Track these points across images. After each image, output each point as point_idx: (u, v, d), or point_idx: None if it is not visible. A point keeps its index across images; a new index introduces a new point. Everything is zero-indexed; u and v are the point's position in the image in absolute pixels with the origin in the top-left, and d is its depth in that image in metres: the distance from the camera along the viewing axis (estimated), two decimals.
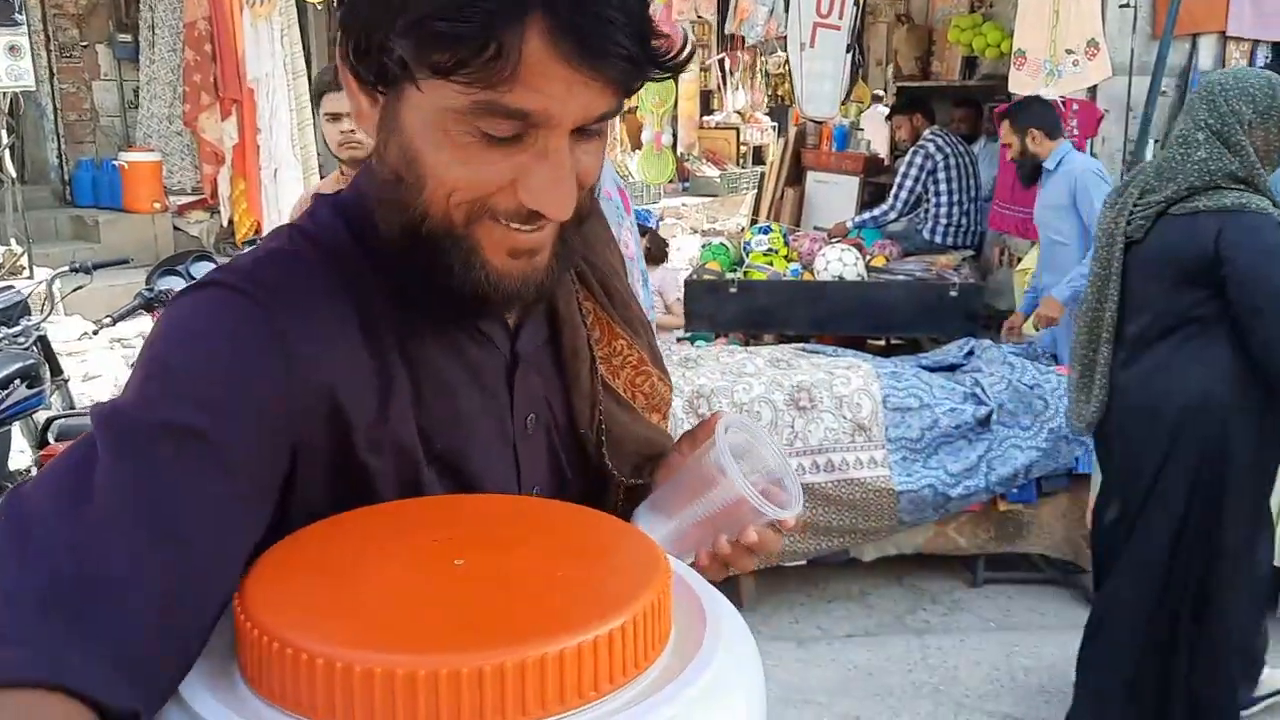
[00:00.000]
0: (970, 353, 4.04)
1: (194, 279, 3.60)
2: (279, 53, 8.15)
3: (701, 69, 11.94)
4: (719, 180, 11.55)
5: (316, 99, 2.72)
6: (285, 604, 0.62)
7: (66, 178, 8.44)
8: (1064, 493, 3.76)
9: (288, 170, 8.17)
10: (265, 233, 7.86)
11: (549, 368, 0.93)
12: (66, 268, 3.65)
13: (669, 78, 0.81)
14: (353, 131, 2.56)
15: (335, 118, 2.67)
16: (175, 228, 8.24)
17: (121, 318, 3.30)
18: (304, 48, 8.92)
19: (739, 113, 12.76)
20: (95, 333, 3.31)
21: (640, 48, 0.73)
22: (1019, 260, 4.94)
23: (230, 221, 8.12)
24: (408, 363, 0.82)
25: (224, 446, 0.70)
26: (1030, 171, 4.23)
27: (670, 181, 6.44)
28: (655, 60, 0.76)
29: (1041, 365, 3.83)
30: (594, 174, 0.80)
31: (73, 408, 3.68)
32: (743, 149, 12.42)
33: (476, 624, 0.62)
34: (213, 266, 3.67)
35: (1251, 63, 4.61)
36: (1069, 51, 4.33)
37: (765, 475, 0.90)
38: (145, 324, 3.56)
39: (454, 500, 0.79)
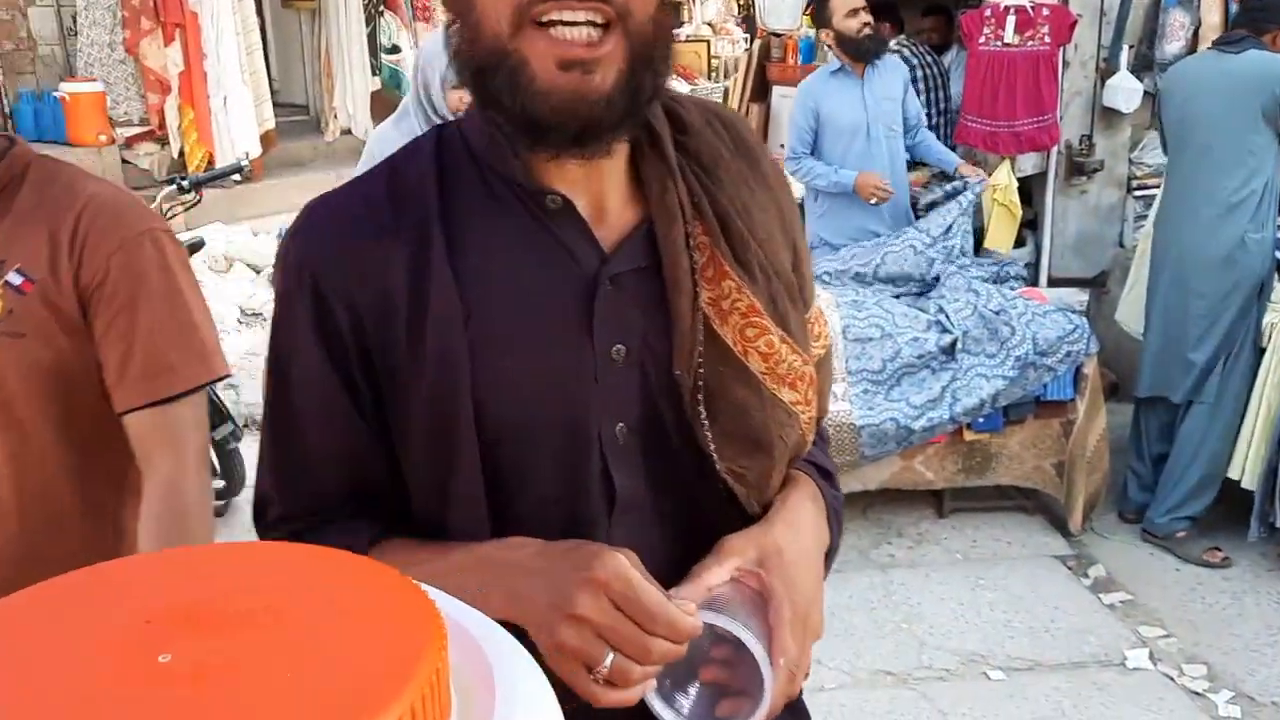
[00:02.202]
0: (936, 278, 3.88)
1: None
2: None
3: None
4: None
5: None
6: None
7: (8, 110, 8.10)
8: (1032, 420, 3.64)
9: (237, 98, 7.85)
10: (217, 164, 7.50)
11: (652, 300, 0.89)
12: None
13: None
14: None
15: None
16: (124, 160, 7.92)
17: None
18: None
19: (709, 24, 12.35)
20: None
21: None
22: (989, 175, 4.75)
23: (181, 153, 7.82)
24: (459, 277, 0.86)
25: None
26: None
27: None
28: None
29: (1007, 291, 3.68)
30: None
31: None
32: (714, 62, 12.04)
33: None
34: None
35: None
36: None
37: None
38: None
39: (179, 559, 0.63)
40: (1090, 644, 3.13)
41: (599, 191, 0.90)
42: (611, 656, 0.77)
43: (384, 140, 2.76)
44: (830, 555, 1.00)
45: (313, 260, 0.88)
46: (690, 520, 0.94)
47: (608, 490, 0.90)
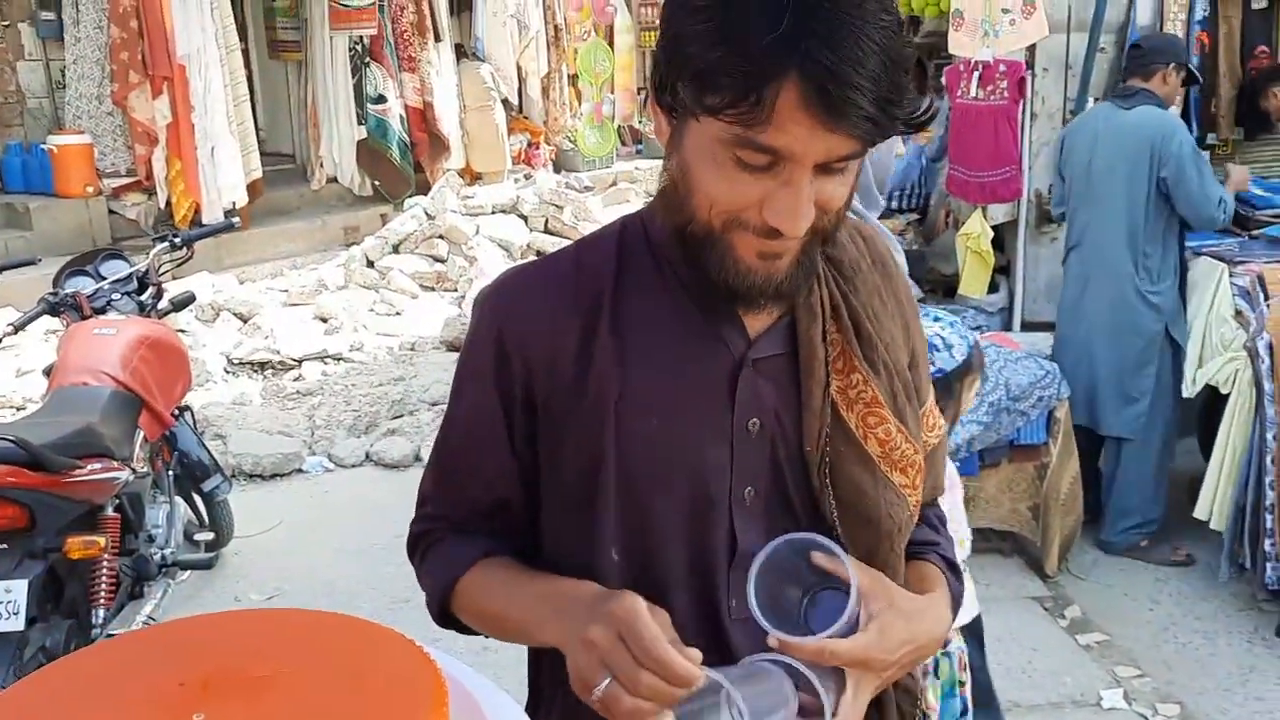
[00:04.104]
0: None
1: (104, 278, 3.45)
2: (210, 27, 7.89)
3: (647, 29, 11.73)
4: None
5: None
6: None
7: None
8: (1007, 464, 3.73)
9: (225, 149, 7.94)
10: (204, 216, 7.45)
11: (786, 383, 1.03)
12: None
13: (914, 132, 0.98)
14: None
15: None
16: (111, 211, 7.99)
17: (24, 324, 3.14)
18: (237, 20, 8.65)
19: None
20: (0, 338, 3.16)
21: (881, 110, 0.85)
22: (962, 224, 4.87)
23: (168, 203, 7.90)
24: (621, 347, 1.01)
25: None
26: None
27: (615, 151, 6.27)
28: (896, 120, 0.88)
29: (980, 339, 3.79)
30: (837, 202, 0.93)
31: None
32: None
33: None
34: (123, 264, 3.51)
35: (1190, 18, 4.54)
36: (1005, 10, 4.23)
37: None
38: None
39: (208, 623, 0.70)
40: (1067, 684, 3.19)
41: None
42: (607, 681, 0.87)
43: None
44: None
45: (501, 316, 1.06)
46: None
47: (730, 544, 1.04)
